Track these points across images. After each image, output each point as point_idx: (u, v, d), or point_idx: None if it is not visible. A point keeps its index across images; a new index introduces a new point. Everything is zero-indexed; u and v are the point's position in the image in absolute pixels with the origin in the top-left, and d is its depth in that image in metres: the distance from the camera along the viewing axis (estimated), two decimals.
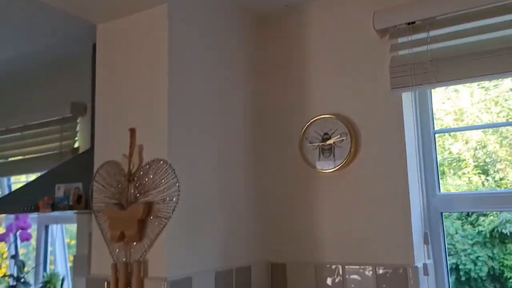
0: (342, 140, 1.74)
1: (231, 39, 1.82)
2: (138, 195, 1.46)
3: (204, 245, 1.54)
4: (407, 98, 1.75)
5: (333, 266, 1.72)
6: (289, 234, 1.83)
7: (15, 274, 3.07)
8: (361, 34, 1.77)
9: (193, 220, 1.50)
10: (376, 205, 1.67)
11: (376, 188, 1.68)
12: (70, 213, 2.78)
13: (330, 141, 1.77)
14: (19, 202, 2.01)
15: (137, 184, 1.47)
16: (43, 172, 2.37)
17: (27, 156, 2.93)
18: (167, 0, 1.52)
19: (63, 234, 3.22)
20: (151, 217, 1.42)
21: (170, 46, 1.49)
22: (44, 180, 2.07)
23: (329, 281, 1.71)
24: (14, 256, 3.15)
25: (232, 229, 1.69)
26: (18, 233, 3.13)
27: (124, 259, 1.45)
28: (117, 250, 1.47)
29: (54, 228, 3.23)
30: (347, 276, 1.68)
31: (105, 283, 1.44)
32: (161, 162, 1.43)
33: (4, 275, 3.18)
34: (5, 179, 3.52)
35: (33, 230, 3.22)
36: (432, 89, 1.77)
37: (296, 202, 1.84)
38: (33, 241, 3.22)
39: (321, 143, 1.79)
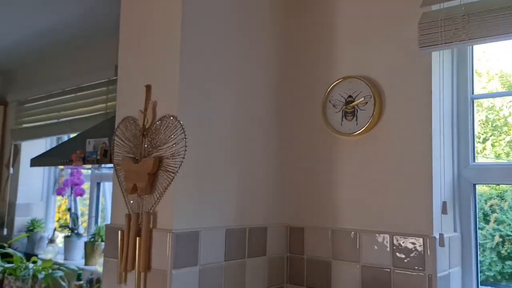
0: (366, 103, 1.66)
1: None
2: (150, 149, 1.50)
3: (215, 201, 1.56)
4: (442, 59, 1.62)
5: (351, 233, 1.67)
6: (309, 198, 1.80)
7: (71, 226, 3.34)
8: None
9: (203, 176, 1.52)
10: (398, 172, 1.59)
11: (399, 154, 1.59)
12: None
13: (353, 104, 1.69)
14: (59, 156, 2.16)
15: (150, 139, 1.51)
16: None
17: (79, 116, 3.13)
18: None
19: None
20: (161, 171, 1.46)
21: (185, 4, 1.49)
22: (81, 137, 2.20)
23: (345, 247, 1.67)
24: (69, 209, 3.42)
25: (247, 189, 1.69)
26: (73, 189, 3.39)
27: (137, 211, 1.51)
28: (132, 201, 1.54)
29: (106, 185, 3.44)
30: (363, 243, 1.63)
31: (119, 232, 1.52)
32: (171, 117, 1.45)
33: (61, 226, 3.47)
34: (65, 137, 3.79)
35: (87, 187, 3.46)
36: (469, 47, 1.62)
37: (317, 165, 1.79)
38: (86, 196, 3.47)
39: (344, 106, 1.71)
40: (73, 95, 3.17)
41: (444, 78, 1.62)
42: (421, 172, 1.54)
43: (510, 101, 1.78)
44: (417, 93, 1.57)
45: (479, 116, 1.79)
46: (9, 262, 2.98)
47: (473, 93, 1.69)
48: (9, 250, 3.03)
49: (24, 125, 3.65)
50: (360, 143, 1.69)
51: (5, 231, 3.70)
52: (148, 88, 1.54)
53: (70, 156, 2.02)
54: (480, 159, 1.72)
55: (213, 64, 1.58)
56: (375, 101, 1.63)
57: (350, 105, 1.70)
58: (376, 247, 1.60)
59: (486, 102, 1.79)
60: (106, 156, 1.89)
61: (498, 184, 1.70)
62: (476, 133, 1.69)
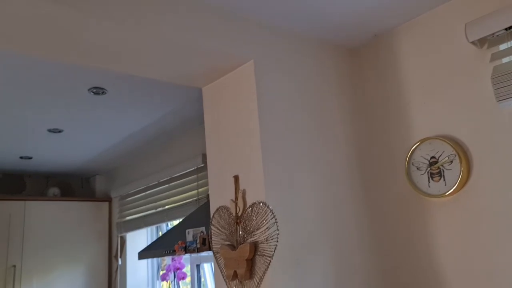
0: (451, 162, 1.64)
1: (322, 76, 1.89)
2: (245, 235, 1.59)
3: (313, 280, 1.58)
4: None
5: None
6: (409, 266, 1.75)
7: None
8: (456, 48, 1.67)
9: (298, 256, 1.57)
10: (501, 230, 1.51)
11: (499, 211, 1.52)
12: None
13: (438, 164, 1.67)
14: (163, 248, 2.33)
15: (243, 226, 1.61)
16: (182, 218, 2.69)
17: (174, 204, 3.36)
18: (253, 56, 1.68)
19: (213, 270, 3.53)
20: (258, 256, 1.53)
21: (259, 98, 1.64)
22: (180, 228, 2.36)
23: None
24: None
25: (344, 265, 1.69)
26: (175, 273, 3.56)
27: None
28: (234, 287, 1.61)
29: (204, 266, 3.57)
30: None
31: None
32: (261, 204, 1.55)
33: None
34: (164, 225, 4.05)
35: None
36: None
37: (411, 232, 1.76)
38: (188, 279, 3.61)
39: (429, 168, 1.70)
40: (167, 185, 3.44)
41: None
42: None
43: None
44: (505, 146, 1.52)
45: None
46: None
47: None
48: None
49: (127, 218, 3.98)
50: (453, 203, 1.64)
51: None
52: (236, 178, 1.67)
53: (172, 246, 2.18)
54: None
55: (292, 148, 1.68)
56: (460, 160, 1.60)
57: (435, 166, 1.68)
58: None
59: None
60: (205, 244, 2.02)
61: None
62: None
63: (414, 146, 1.75)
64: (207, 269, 3.56)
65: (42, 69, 2.09)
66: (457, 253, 1.61)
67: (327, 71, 1.92)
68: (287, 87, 1.74)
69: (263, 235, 1.54)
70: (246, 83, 1.69)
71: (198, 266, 3.59)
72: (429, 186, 1.70)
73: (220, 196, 1.76)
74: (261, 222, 1.54)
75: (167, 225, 4.01)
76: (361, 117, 1.97)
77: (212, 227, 1.76)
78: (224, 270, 1.64)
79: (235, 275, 1.58)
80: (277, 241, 1.50)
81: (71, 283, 3.91)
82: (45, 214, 3.89)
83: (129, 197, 3.98)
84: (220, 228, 1.72)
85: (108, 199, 4.30)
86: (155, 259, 4.06)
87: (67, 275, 3.90)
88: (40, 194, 4.21)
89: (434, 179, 1.69)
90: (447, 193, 1.64)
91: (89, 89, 2.34)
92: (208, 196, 2.94)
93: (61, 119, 2.80)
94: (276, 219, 1.52)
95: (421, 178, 1.72)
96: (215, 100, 1.86)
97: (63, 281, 3.87)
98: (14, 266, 3.63)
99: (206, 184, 3.00)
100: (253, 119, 1.63)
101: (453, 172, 1.63)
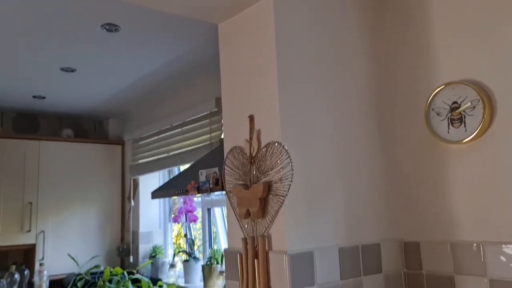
0: (474, 107, 1.58)
1: (345, 16, 1.81)
2: (259, 175, 1.59)
3: (325, 221, 1.59)
4: None
5: (473, 245, 1.58)
6: (422, 211, 1.75)
7: (188, 251, 3.57)
8: None
9: (312, 197, 1.56)
10: None
11: None
12: (224, 196, 3.12)
13: (459, 110, 1.62)
14: (176, 188, 2.35)
15: (257, 166, 1.60)
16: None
17: (186, 149, 3.37)
18: None
19: (223, 214, 3.60)
20: (271, 195, 1.53)
21: (277, 35, 1.57)
22: (193, 169, 2.37)
23: (468, 261, 1.58)
24: (186, 235, 3.67)
25: (356, 206, 1.69)
26: (187, 216, 3.63)
27: (251, 234, 1.59)
28: (246, 226, 1.63)
29: (216, 210, 3.64)
30: (488, 256, 1.53)
31: (238, 255, 1.61)
32: (276, 144, 1.53)
33: (179, 251, 3.72)
34: (176, 168, 4.09)
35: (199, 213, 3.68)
36: None
37: (427, 176, 1.74)
38: (199, 222, 3.69)
39: (449, 114, 1.65)
40: (180, 129, 3.44)
41: None
42: None
43: None
44: None
45: None
46: (138, 287, 3.28)
47: None
48: (138, 276, 3.33)
49: (140, 161, 4.03)
50: (472, 150, 1.61)
51: (131, 259, 4.07)
52: (251, 118, 1.64)
53: (185, 186, 2.21)
54: None
55: (309, 89, 1.64)
56: (484, 105, 1.55)
57: (456, 111, 1.63)
58: (504, 259, 1.49)
59: None
60: (217, 184, 2.03)
61: None
62: None
63: (436, 91, 1.69)
64: (218, 213, 3.62)
65: (54, 3, 2.03)
66: (474, 200, 1.59)
67: (351, 11, 1.83)
68: (307, 25, 1.67)
69: (277, 175, 1.53)
70: (264, 19, 1.62)
71: (209, 210, 3.66)
72: (448, 132, 1.66)
73: (234, 137, 1.74)
74: (275, 162, 1.53)
75: (178, 169, 4.06)
76: (383, 59, 1.90)
77: (225, 167, 1.76)
78: (237, 209, 1.65)
79: (247, 214, 1.59)
80: (291, 181, 1.49)
81: (85, 222, 4.02)
82: (59, 154, 3.95)
83: (142, 140, 4.00)
84: (233, 168, 1.72)
85: (121, 142, 4.34)
86: (167, 201, 4.15)
87: (81, 214, 4.01)
88: (54, 135, 4.25)
89: (455, 125, 1.64)
90: (466, 140, 1.60)
91: (101, 26, 2.28)
92: (220, 140, 2.94)
93: (74, 58, 2.76)
94: (291, 159, 1.50)
95: (441, 124, 1.68)
96: (231, 37, 1.79)
97: (78, 220, 3.99)
98: (31, 203, 3.73)
99: (219, 128, 2.98)
100: (270, 57, 1.58)
101: (475, 118, 1.58)
